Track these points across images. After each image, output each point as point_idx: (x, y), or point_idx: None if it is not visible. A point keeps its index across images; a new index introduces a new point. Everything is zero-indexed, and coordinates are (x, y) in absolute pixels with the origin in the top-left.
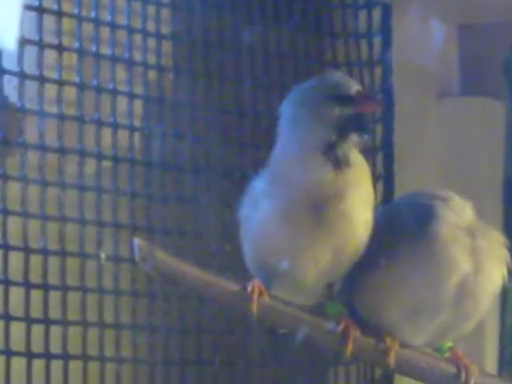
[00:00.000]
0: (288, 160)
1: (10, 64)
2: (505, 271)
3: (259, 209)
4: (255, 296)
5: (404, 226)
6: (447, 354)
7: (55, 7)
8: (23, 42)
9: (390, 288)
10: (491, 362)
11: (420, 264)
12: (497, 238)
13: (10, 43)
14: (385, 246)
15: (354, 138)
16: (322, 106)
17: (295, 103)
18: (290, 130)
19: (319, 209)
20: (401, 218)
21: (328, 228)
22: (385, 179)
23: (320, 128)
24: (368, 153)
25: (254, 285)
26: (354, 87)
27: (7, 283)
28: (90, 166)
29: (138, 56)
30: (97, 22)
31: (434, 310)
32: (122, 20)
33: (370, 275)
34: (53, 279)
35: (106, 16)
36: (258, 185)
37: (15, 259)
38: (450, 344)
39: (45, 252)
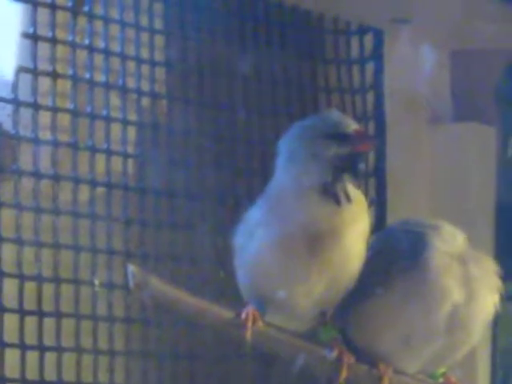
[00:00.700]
0: (285, 195)
1: (3, 91)
2: (497, 299)
3: (255, 238)
4: (249, 323)
5: (397, 255)
6: (441, 380)
7: (49, 35)
8: (18, 70)
9: (383, 316)
10: None
11: (412, 293)
12: (489, 266)
13: (8, 72)
14: (378, 275)
15: (348, 177)
16: (319, 144)
17: (293, 140)
18: (288, 167)
19: (315, 241)
20: (394, 246)
21: (323, 260)
22: (377, 205)
23: (316, 166)
24: (360, 179)
25: (248, 312)
26: (352, 126)
27: (2, 310)
28: (84, 192)
29: (131, 83)
30: (90, 49)
31: (427, 339)
32: (115, 47)
33: (363, 303)
34: (47, 306)
35: (99, 43)
36: (254, 214)
37: (9, 286)
38: (443, 370)
39: (39, 279)
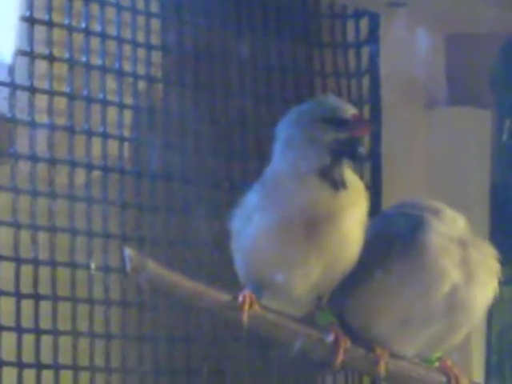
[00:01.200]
0: (283, 180)
1: (0, 74)
2: (496, 284)
3: (252, 223)
4: (246, 306)
5: (395, 238)
6: (436, 364)
7: (46, 18)
8: (15, 53)
9: (381, 299)
10: (478, 371)
11: (411, 275)
12: (489, 251)
13: (5, 55)
14: (376, 258)
15: (347, 162)
16: (317, 129)
17: (291, 125)
18: (285, 152)
19: (312, 226)
20: (392, 229)
21: (320, 245)
22: (373, 189)
23: (314, 151)
24: (359, 164)
25: (245, 295)
26: (350, 111)
27: None
28: (80, 176)
29: (128, 66)
30: (87, 33)
31: (425, 321)
32: (112, 30)
33: (361, 286)
34: (43, 289)
35: (96, 27)
36: (251, 199)
37: (6, 269)
38: (438, 354)
39: (35, 262)
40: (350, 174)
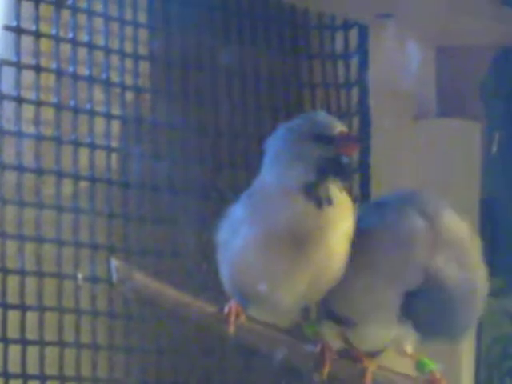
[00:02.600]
0: (270, 193)
1: None
2: (485, 273)
3: (239, 235)
4: (232, 318)
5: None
6: (426, 377)
7: (33, 28)
8: (1, 63)
9: (358, 286)
10: None
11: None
12: (474, 243)
13: None
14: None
15: (333, 180)
16: (304, 145)
17: (279, 140)
18: (272, 166)
19: (298, 240)
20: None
21: (306, 259)
22: (361, 200)
23: (300, 167)
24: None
25: (231, 306)
26: (337, 128)
27: None
28: (68, 186)
29: (115, 77)
30: (74, 43)
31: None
32: (99, 41)
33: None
34: (30, 299)
35: (83, 37)
36: (238, 211)
37: None
38: (432, 366)
39: (22, 272)
40: (336, 191)
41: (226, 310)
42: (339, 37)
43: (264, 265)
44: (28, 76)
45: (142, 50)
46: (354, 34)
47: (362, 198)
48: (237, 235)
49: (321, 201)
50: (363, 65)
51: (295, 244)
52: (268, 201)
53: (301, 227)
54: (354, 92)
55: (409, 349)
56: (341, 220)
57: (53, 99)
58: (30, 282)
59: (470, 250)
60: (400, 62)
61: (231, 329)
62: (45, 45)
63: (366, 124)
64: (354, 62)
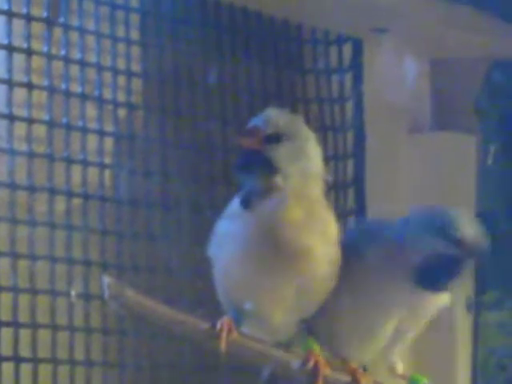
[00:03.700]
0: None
1: None
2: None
3: (224, 249)
4: (224, 333)
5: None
6: None
7: (25, 45)
8: None
9: (339, 312)
10: None
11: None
12: None
13: None
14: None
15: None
16: None
17: None
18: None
19: (279, 248)
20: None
21: (289, 267)
22: (356, 214)
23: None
24: (339, 188)
25: (224, 322)
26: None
27: None
28: (60, 203)
29: (108, 94)
30: (66, 60)
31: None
32: (91, 58)
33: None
34: (23, 317)
35: (75, 54)
36: (222, 225)
37: None
38: (424, 381)
39: (15, 290)
40: (320, 203)
41: (219, 325)
42: (333, 51)
43: (247, 277)
44: (20, 93)
45: (135, 67)
46: (348, 49)
47: (356, 212)
48: (222, 249)
49: (247, 202)
50: (357, 79)
51: (275, 252)
52: (250, 214)
53: (282, 238)
54: (349, 106)
55: (400, 368)
56: (316, 220)
57: (45, 116)
58: (23, 300)
59: None
60: (394, 76)
61: (223, 345)
62: (37, 62)
63: (360, 138)
64: (349, 76)
